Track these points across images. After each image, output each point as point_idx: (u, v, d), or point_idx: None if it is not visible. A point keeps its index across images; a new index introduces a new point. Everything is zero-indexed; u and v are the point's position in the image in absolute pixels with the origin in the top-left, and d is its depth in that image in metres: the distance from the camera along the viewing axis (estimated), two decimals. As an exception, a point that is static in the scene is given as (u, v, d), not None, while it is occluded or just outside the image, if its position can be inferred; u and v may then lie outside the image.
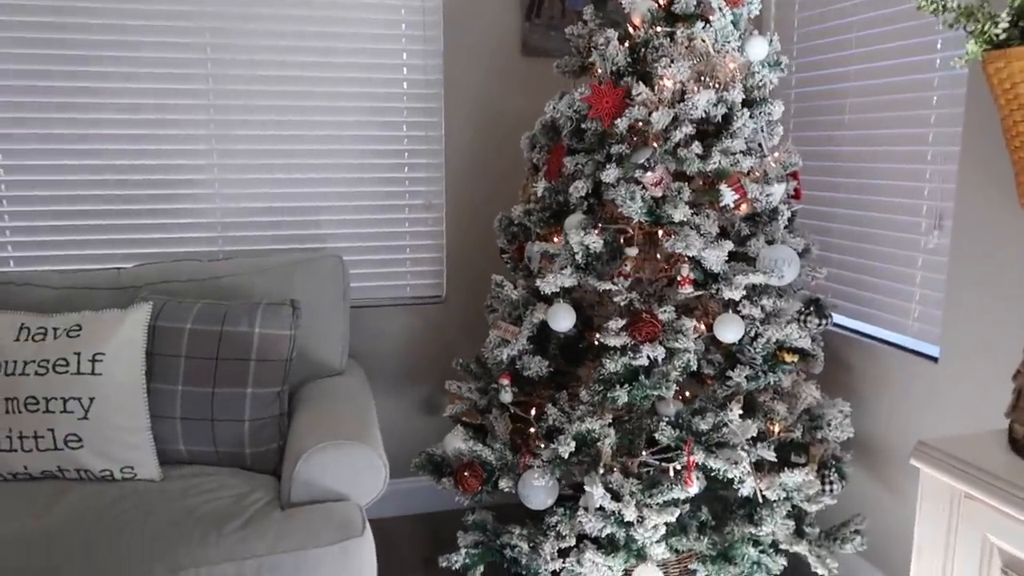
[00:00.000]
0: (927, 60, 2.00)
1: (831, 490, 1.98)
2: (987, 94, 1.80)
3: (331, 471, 1.88)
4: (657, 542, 1.79)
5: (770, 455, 1.81)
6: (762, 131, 1.90)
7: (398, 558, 2.54)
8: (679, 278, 1.83)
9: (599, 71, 2.01)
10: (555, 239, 2.06)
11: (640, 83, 1.85)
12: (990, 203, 1.80)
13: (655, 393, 1.81)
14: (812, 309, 2.01)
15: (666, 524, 1.77)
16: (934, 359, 2.00)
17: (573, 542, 1.91)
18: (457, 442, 2.07)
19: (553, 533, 1.92)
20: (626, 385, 1.82)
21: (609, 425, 1.84)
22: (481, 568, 2.01)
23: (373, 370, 2.76)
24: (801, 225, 2.35)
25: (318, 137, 2.60)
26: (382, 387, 2.77)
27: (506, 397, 2.00)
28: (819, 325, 2.01)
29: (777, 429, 1.91)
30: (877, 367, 2.16)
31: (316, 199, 2.64)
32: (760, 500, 1.83)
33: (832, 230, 2.35)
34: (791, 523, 1.92)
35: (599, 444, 1.80)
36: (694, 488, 1.77)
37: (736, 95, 1.84)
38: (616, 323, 1.82)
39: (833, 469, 1.99)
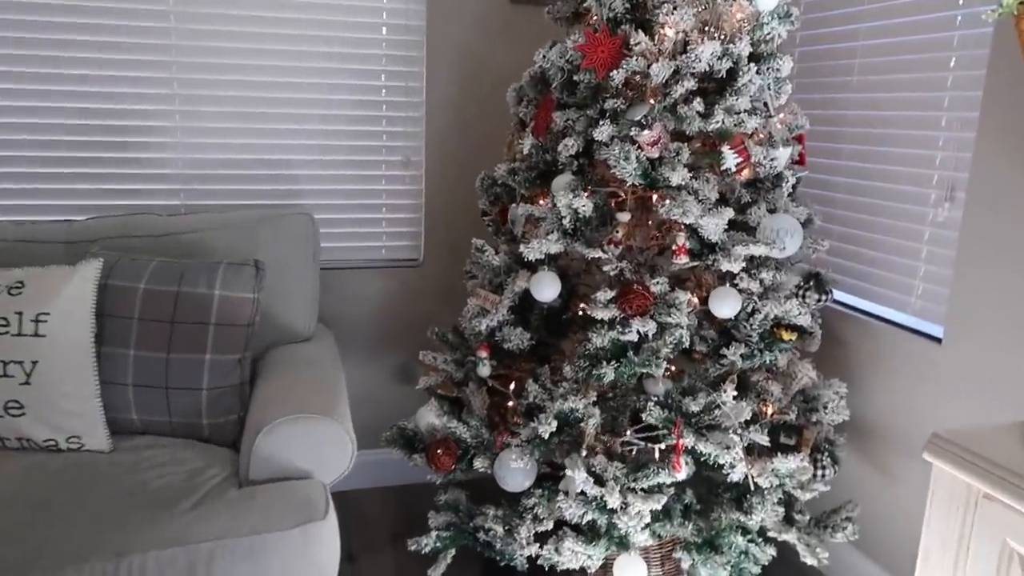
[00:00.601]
0: (947, 17, 1.85)
1: (823, 475, 1.88)
2: (1014, 56, 1.65)
3: (293, 447, 1.74)
4: (641, 529, 1.68)
5: (763, 439, 1.70)
6: (769, 89, 1.75)
7: (367, 534, 2.42)
8: (674, 247, 1.69)
9: (595, 18, 1.84)
10: (541, 201, 1.91)
11: (639, 31, 1.68)
12: (1009, 175, 1.67)
13: (644, 371, 1.68)
14: (812, 284, 1.89)
15: (651, 511, 1.66)
16: (937, 340, 1.89)
17: (551, 526, 1.80)
18: (430, 417, 1.94)
19: (530, 516, 1.81)
20: (613, 361, 1.69)
21: (594, 404, 1.71)
22: (452, 552, 1.89)
23: (344, 336, 2.61)
24: (802, 193, 2.21)
25: (289, 85, 2.41)
26: (354, 354, 2.63)
27: (484, 371, 1.87)
28: (819, 301, 1.88)
29: (770, 411, 1.80)
30: (876, 346, 2.05)
31: (286, 152, 2.46)
32: (752, 487, 1.72)
33: (834, 199, 2.22)
34: (780, 509, 1.81)
35: (582, 424, 1.67)
36: (682, 474, 1.66)
37: (743, 48, 1.68)
38: (605, 294, 1.68)
39: (826, 453, 1.89)
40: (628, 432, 1.79)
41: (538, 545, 1.79)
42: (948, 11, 1.85)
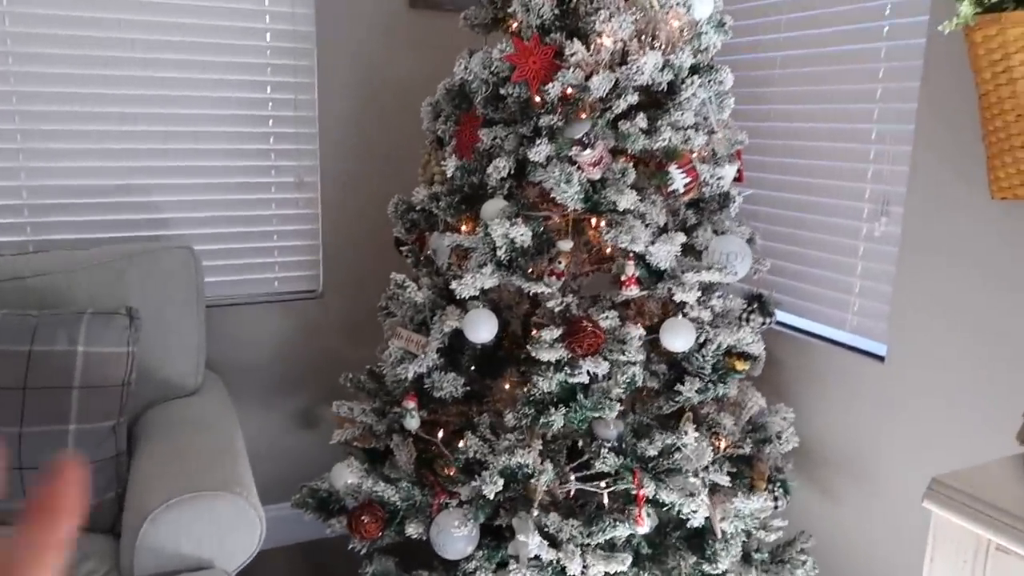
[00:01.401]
0: (874, 28, 1.80)
1: (776, 507, 1.78)
2: (951, 66, 1.61)
3: (189, 533, 1.46)
4: (600, 590, 1.51)
5: (724, 479, 1.57)
6: (711, 102, 1.63)
7: (275, 607, 2.13)
8: (623, 278, 1.54)
9: (515, 25, 1.66)
10: (465, 228, 1.71)
11: (573, 40, 1.52)
12: (948, 188, 1.63)
13: (596, 415, 1.51)
14: (756, 306, 1.79)
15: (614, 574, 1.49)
16: (880, 358, 1.83)
17: (496, 592, 1.60)
18: (349, 476, 1.69)
19: (472, 583, 1.60)
20: (561, 407, 1.52)
21: (541, 456, 1.53)
22: (386, 633, 1.65)
23: (238, 382, 2.30)
24: (741, 211, 2.12)
25: (157, 98, 2.08)
26: (249, 400, 2.32)
27: (413, 423, 1.64)
28: (763, 324, 1.78)
29: (724, 445, 1.68)
30: (817, 367, 1.98)
31: (157, 175, 2.13)
32: (717, 534, 1.59)
33: (768, 215, 2.14)
34: (738, 550, 1.69)
35: (533, 481, 1.48)
36: (645, 527, 1.50)
37: (685, 59, 1.55)
38: (551, 333, 1.50)
39: (778, 484, 1.79)
40: (572, 477, 1.62)
41: (482, 616, 1.58)
42: (875, 22, 1.80)
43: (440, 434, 1.75)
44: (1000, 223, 1.54)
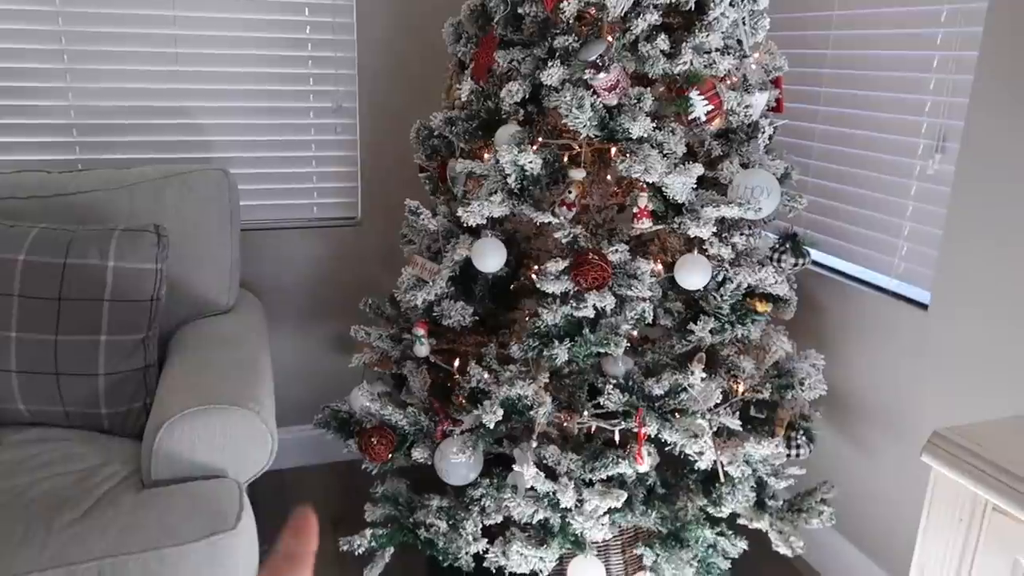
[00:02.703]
0: (944, -59, 1.62)
1: (798, 455, 1.72)
2: (1022, -16, 1.44)
3: (202, 442, 1.52)
4: (598, 525, 1.50)
5: (735, 423, 1.51)
6: (743, 24, 1.51)
7: (304, 519, 2.22)
8: (635, 210, 1.47)
9: (542, -60, 1.57)
10: (484, 155, 1.67)
11: (594, -45, 1.43)
12: (1010, 123, 1.47)
13: (602, 350, 1.47)
14: (788, 246, 1.69)
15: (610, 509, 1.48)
16: (923, 306, 1.71)
17: (500, 519, 1.61)
18: (364, 400, 1.72)
19: (477, 509, 1.61)
20: (566, 340, 1.49)
21: (545, 388, 1.51)
22: (391, 550, 1.70)
23: (275, 305, 2.36)
24: (778, 144, 1.99)
25: (197, 20, 2.09)
26: (286, 323, 2.39)
27: (422, 350, 1.65)
28: (795, 265, 1.69)
29: (742, 389, 1.62)
30: (855, 313, 1.87)
31: (198, 98, 2.16)
32: (721, 477, 1.55)
33: (810, 149, 2.01)
34: (752, 495, 1.65)
35: (532, 413, 1.47)
36: (645, 465, 1.47)
37: (715, -25, 1.44)
38: (556, 265, 1.46)
39: (801, 432, 1.72)
40: (585, 413, 1.60)
41: (487, 541, 1.60)
42: (945, -67, 1.62)
43: (456, 363, 1.76)
44: (1061, 161, 1.39)
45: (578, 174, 1.51)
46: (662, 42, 1.43)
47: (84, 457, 1.60)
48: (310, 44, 2.21)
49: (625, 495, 1.46)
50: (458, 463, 1.53)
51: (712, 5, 1.46)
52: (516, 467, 1.48)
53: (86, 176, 1.93)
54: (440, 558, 1.63)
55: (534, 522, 1.52)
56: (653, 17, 1.42)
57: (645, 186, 1.47)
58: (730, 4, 1.47)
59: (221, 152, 2.22)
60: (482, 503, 1.62)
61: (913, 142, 1.73)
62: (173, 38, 2.09)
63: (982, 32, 1.52)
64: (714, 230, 1.49)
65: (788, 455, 1.66)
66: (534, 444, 1.51)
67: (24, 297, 1.66)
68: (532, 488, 1.48)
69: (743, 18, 1.51)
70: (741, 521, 1.73)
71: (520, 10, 1.55)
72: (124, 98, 2.10)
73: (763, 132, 1.56)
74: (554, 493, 1.46)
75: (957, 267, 1.60)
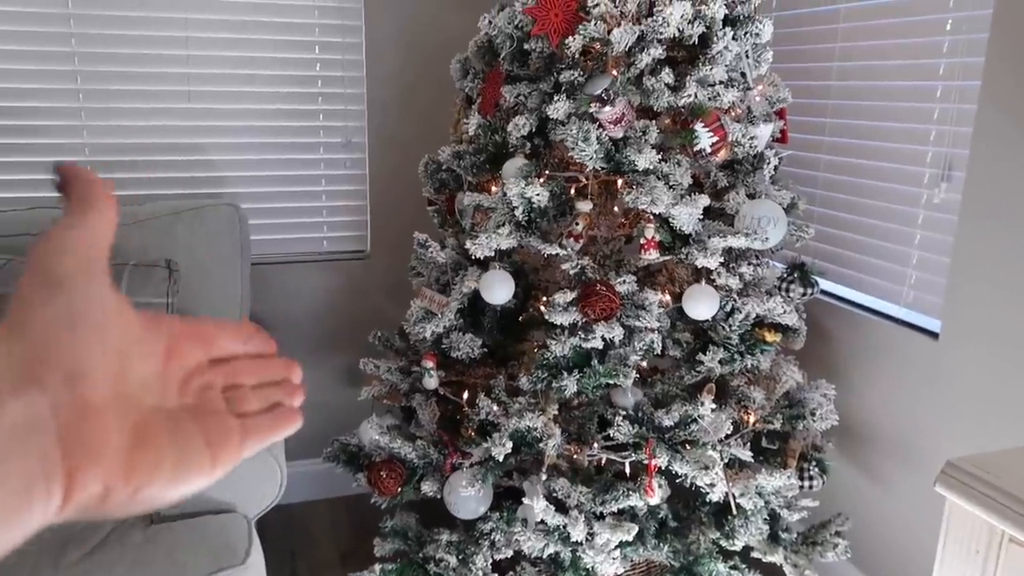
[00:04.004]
0: (944, -26, 1.65)
1: (811, 486, 1.70)
2: (1021, 17, 1.45)
3: (210, 477, 1.51)
4: (609, 559, 1.49)
5: (746, 455, 1.50)
6: (747, 57, 1.53)
7: (313, 554, 2.21)
8: (642, 241, 1.48)
9: (547, -22, 1.60)
10: (492, 188, 1.68)
11: (598, -8, 1.45)
12: (1015, 151, 1.48)
13: (611, 382, 1.47)
14: (796, 276, 1.69)
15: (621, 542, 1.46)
16: (934, 335, 1.71)
17: (511, 553, 1.60)
18: (373, 433, 1.71)
19: (487, 543, 1.60)
20: (575, 372, 1.48)
21: (554, 420, 1.51)
22: (400, 586, 1.68)
23: (285, 338, 2.37)
24: (784, 174, 2.00)
25: (209, 59, 2.14)
26: (295, 356, 2.30)
27: (431, 383, 1.65)
28: (804, 295, 1.68)
29: (752, 420, 1.60)
30: (866, 342, 1.86)
31: (209, 135, 2.19)
32: (733, 509, 1.53)
33: (816, 179, 2.02)
34: (765, 527, 1.63)
35: (541, 445, 1.46)
36: (656, 498, 1.46)
37: (717, 9, 1.46)
38: (564, 296, 1.46)
39: (813, 463, 1.71)
40: (595, 445, 1.59)
41: (497, 575, 1.59)
42: (944, -34, 1.64)
43: (465, 395, 1.75)
44: (1068, 189, 1.39)
45: (585, 206, 1.52)
46: (666, 76, 1.45)
47: (94, 492, 1.60)
48: (320, 80, 2.25)
49: (636, 528, 1.45)
50: (467, 496, 1.53)
51: (715, 39, 1.48)
52: (526, 500, 1.47)
53: (99, 212, 1.96)
54: (450, 594, 1.61)
55: (545, 556, 1.50)
56: (657, 51, 1.44)
57: (652, 217, 1.48)
58: (733, 38, 1.49)
59: (232, 187, 2.25)
60: (492, 537, 1.60)
61: (919, 171, 1.74)
62: (186, 76, 2.13)
63: (984, 62, 1.53)
64: (721, 260, 1.49)
65: (801, 487, 1.64)
66: (544, 477, 1.50)
67: (36, 333, 1.67)
68: (542, 522, 1.47)
69: (746, 51, 1.53)
70: (755, 554, 1.71)
71: (526, 46, 1.58)
72: (137, 135, 2.13)
73: (768, 163, 1.57)
74: (564, 527, 1.44)
75: (967, 295, 1.60)
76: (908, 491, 1.77)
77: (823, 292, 2.00)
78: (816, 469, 1.70)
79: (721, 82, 1.51)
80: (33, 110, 2.04)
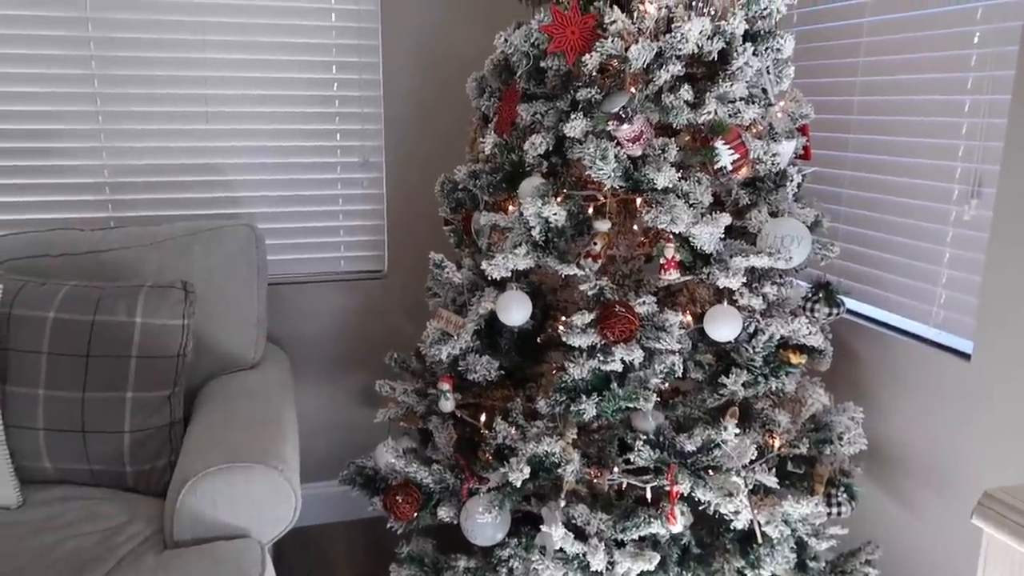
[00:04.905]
0: (971, -14, 1.61)
1: (839, 513, 1.64)
2: (1055, 27, 1.41)
3: (224, 502, 1.49)
4: (631, 588, 1.44)
5: (771, 481, 1.46)
6: (768, 73, 1.50)
7: (329, 578, 2.18)
8: (662, 261, 1.45)
9: (564, -5, 1.59)
10: (509, 208, 1.66)
11: (615, 8, 1.43)
12: (1051, 167, 1.43)
13: (630, 405, 1.43)
14: (821, 295, 1.65)
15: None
16: (966, 356, 1.65)
17: (529, 581, 1.56)
18: (388, 456, 1.69)
19: (505, 570, 1.56)
20: (594, 395, 1.45)
21: (573, 445, 1.47)
22: (416, 613, 1.65)
23: (302, 358, 2.36)
24: (807, 191, 1.96)
25: (227, 80, 2.14)
26: (312, 376, 2.38)
27: (447, 406, 1.62)
28: (829, 315, 1.64)
29: (778, 444, 1.56)
30: (895, 363, 1.81)
31: (227, 155, 2.20)
32: (759, 538, 1.48)
33: (840, 196, 1.98)
34: (792, 556, 1.57)
35: (559, 470, 1.43)
36: (678, 525, 1.41)
37: (737, 25, 1.43)
38: (582, 318, 1.43)
39: (841, 488, 1.65)
40: (616, 470, 1.55)
41: (514, 605, 1.55)
42: (971, -21, 1.61)
43: (483, 418, 1.73)
44: (1105, 205, 1.34)
45: (603, 225, 1.49)
46: (685, 92, 1.43)
47: (107, 517, 1.58)
48: (337, 101, 2.25)
49: (658, 557, 1.40)
50: (484, 523, 1.49)
51: (735, 55, 1.45)
52: (544, 527, 1.43)
53: (116, 234, 1.96)
54: (467, 622, 1.58)
55: (563, 585, 1.46)
56: (676, 68, 1.42)
57: (671, 237, 1.45)
58: (753, 53, 1.46)
59: (250, 208, 2.25)
60: (510, 564, 1.57)
61: (947, 188, 1.69)
62: (203, 97, 2.14)
63: (1014, 75, 1.49)
64: (744, 280, 1.46)
65: (829, 513, 1.59)
66: (562, 503, 1.46)
67: (53, 354, 1.67)
68: (561, 550, 1.43)
69: (767, 67, 1.50)
70: (781, 583, 1.65)
71: (543, 64, 1.56)
72: (156, 156, 2.14)
73: (791, 180, 1.53)
74: (584, 555, 1.40)
75: (999, 315, 1.55)
76: (942, 519, 1.71)
77: (849, 312, 1.95)
78: (844, 495, 1.65)
79: (742, 98, 1.47)
80: (52, 132, 2.06)
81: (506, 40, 1.59)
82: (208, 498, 1.49)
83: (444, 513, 1.60)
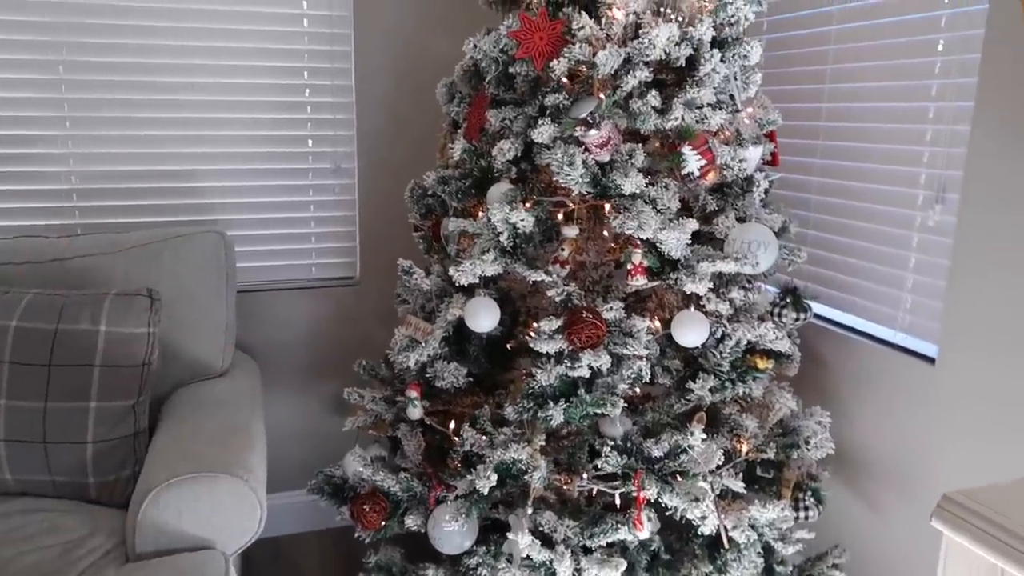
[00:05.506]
0: (933, -5, 1.63)
1: (807, 517, 1.65)
2: (1014, 36, 1.43)
3: (188, 513, 1.47)
4: (599, 595, 1.44)
5: (738, 485, 1.46)
6: (735, 79, 1.51)
7: (299, 589, 2.15)
8: (629, 266, 1.45)
9: (533, 1, 1.59)
10: (478, 213, 1.65)
11: (583, 14, 1.43)
12: (1009, 172, 1.45)
13: (598, 411, 1.43)
14: (788, 300, 1.66)
15: (610, 578, 1.41)
16: (931, 360, 1.66)
17: (498, 589, 1.55)
18: (356, 465, 1.67)
19: (473, 578, 1.55)
20: (562, 401, 1.45)
21: (541, 451, 1.46)
22: (384, 624, 1.63)
23: (272, 366, 2.33)
24: (775, 197, 1.97)
25: (197, 86, 2.12)
26: (283, 385, 2.35)
27: (415, 413, 1.61)
28: (796, 320, 1.65)
29: (745, 449, 1.56)
30: (861, 367, 1.82)
31: (197, 162, 2.18)
32: (726, 543, 1.48)
33: (808, 202, 1.99)
34: (760, 561, 1.58)
35: (527, 477, 1.42)
36: (645, 532, 1.41)
37: (705, 32, 1.44)
38: (550, 324, 1.43)
39: (809, 493, 1.66)
40: (585, 476, 1.55)
41: (483, 613, 1.53)
42: (934, -13, 1.63)
43: (452, 424, 1.71)
44: (1064, 211, 1.36)
45: (571, 231, 1.49)
46: (653, 98, 1.43)
47: (68, 529, 1.55)
48: (309, 107, 2.24)
49: (625, 564, 1.40)
50: (451, 531, 1.48)
51: (703, 61, 1.46)
52: (511, 535, 1.42)
53: (82, 241, 1.93)
54: (436, 632, 1.56)
55: (531, 593, 1.46)
56: (643, 74, 1.42)
57: (639, 242, 1.45)
58: (721, 60, 1.47)
59: (220, 214, 2.23)
60: (478, 572, 1.55)
61: (912, 193, 1.71)
62: (173, 102, 2.11)
63: (977, 82, 1.51)
64: (711, 286, 1.46)
65: (796, 518, 1.59)
66: (530, 510, 1.45)
67: (15, 364, 1.64)
68: (528, 557, 1.42)
69: (734, 73, 1.51)
70: (751, 589, 1.65)
71: (511, 69, 1.56)
72: (124, 163, 2.12)
73: (758, 186, 1.54)
74: (551, 562, 1.40)
75: (964, 320, 1.56)
76: (907, 522, 1.72)
77: (817, 316, 1.97)
78: (812, 499, 1.65)
79: (709, 104, 1.48)
80: (18, 138, 2.03)
81: (475, 46, 1.59)
82: (171, 509, 1.47)
83: (412, 522, 1.59)
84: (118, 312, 1.69)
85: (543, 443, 1.50)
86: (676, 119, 1.43)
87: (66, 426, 1.64)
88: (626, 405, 1.54)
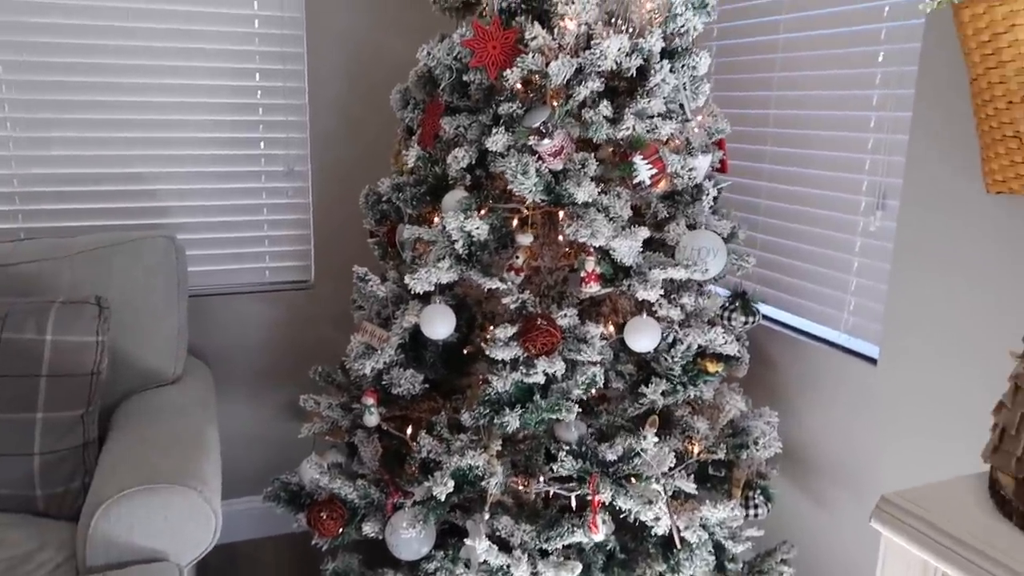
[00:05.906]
0: (874, 8, 1.68)
1: (756, 515, 1.70)
2: (948, 50, 1.49)
3: (141, 525, 1.45)
4: (555, 597, 1.46)
5: (690, 486, 1.49)
6: (684, 89, 1.54)
7: (256, 596, 2.14)
8: (583, 274, 1.47)
9: (487, 8, 1.60)
10: (433, 220, 1.66)
11: (536, 24, 1.45)
12: (945, 180, 1.51)
13: (553, 416, 1.45)
14: (738, 304, 1.70)
15: (566, 581, 1.44)
16: (873, 361, 1.73)
17: (456, 593, 1.56)
18: (313, 472, 1.67)
19: (431, 584, 1.56)
20: (518, 407, 1.46)
21: (497, 457, 1.48)
22: (342, 631, 1.63)
23: (226, 371, 2.31)
24: (728, 202, 2.02)
25: (146, 86, 2.08)
26: (237, 390, 2.33)
27: (371, 420, 1.61)
28: (745, 324, 1.69)
29: (697, 450, 1.60)
30: (808, 368, 1.88)
31: (146, 164, 2.14)
32: (678, 543, 1.52)
33: (757, 207, 2.04)
34: (711, 558, 1.62)
35: (483, 483, 1.43)
36: (600, 535, 1.44)
37: (654, 42, 1.47)
38: (505, 331, 1.44)
39: (758, 491, 1.71)
40: (542, 479, 1.57)
41: (441, 618, 1.55)
42: (875, 1, 1.68)
43: (409, 430, 1.72)
44: (996, 219, 1.42)
45: (525, 239, 1.51)
46: (604, 108, 1.45)
47: (15, 544, 1.52)
48: (261, 108, 2.21)
49: (580, 566, 1.43)
50: (409, 538, 1.49)
51: (653, 71, 1.49)
52: (468, 540, 1.43)
53: (27, 246, 1.89)
54: (394, 637, 1.57)
55: (488, 597, 1.47)
56: (595, 84, 1.44)
57: (592, 250, 1.47)
58: (670, 70, 1.50)
59: (171, 218, 2.19)
60: (436, 577, 1.57)
61: (855, 199, 1.77)
62: (121, 104, 2.07)
63: (914, 94, 1.57)
64: (662, 292, 1.49)
65: (746, 516, 1.64)
66: (487, 515, 1.47)
67: (-44, 375, 1.60)
68: (485, 562, 1.44)
69: (684, 83, 1.54)
70: (702, 586, 1.70)
71: (465, 77, 1.57)
72: (70, 165, 2.07)
73: (708, 194, 1.58)
74: (508, 567, 1.42)
75: (903, 321, 1.62)
76: (850, 518, 1.78)
77: (766, 318, 2.02)
78: (761, 497, 1.70)
79: (659, 114, 1.51)
80: (-43, 140, 1.97)
81: (429, 53, 1.59)
82: (123, 522, 1.45)
83: (369, 528, 1.59)
84: (65, 320, 1.65)
85: (500, 448, 1.52)
86: (627, 129, 1.46)
87: (11, 437, 1.61)
88: (582, 409, 1.56)
